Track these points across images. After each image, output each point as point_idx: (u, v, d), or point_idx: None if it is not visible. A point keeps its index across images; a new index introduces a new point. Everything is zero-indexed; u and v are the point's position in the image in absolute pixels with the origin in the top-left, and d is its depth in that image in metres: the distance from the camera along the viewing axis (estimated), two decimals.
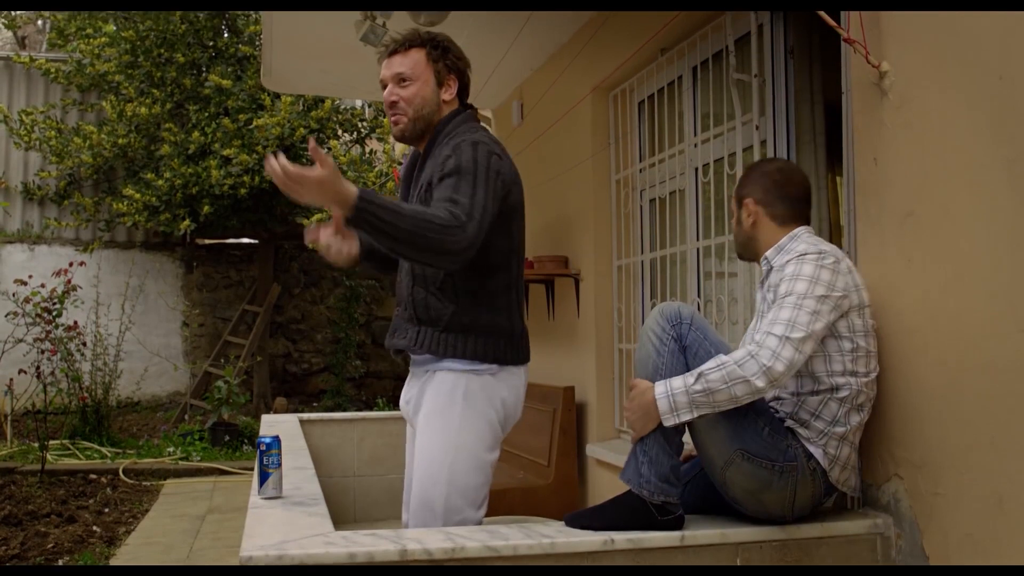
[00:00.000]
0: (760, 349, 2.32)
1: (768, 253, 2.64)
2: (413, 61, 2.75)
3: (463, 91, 2.84)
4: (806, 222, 2.68)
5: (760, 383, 2.29)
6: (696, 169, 4.11)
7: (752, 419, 2.41)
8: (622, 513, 2.42)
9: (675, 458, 2.44)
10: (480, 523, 2.69)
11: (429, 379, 2.72)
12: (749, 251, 2.74)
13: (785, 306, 2.38)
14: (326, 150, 10.13)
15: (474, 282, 2.67)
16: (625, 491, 2.46)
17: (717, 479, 2.48)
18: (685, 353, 2.45)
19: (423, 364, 2.76)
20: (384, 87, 2.78)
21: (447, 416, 2.65)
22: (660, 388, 2.37)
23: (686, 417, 2.35)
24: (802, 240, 2.59)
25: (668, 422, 2.35)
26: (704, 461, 2.51)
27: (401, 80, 2.74)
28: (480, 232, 2.47)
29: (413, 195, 2.78)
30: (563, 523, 2.48)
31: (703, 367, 2.34)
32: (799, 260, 2.48)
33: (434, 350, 2.66)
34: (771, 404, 2.53)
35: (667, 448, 2.42)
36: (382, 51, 2.83)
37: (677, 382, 2.36)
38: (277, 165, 2.30)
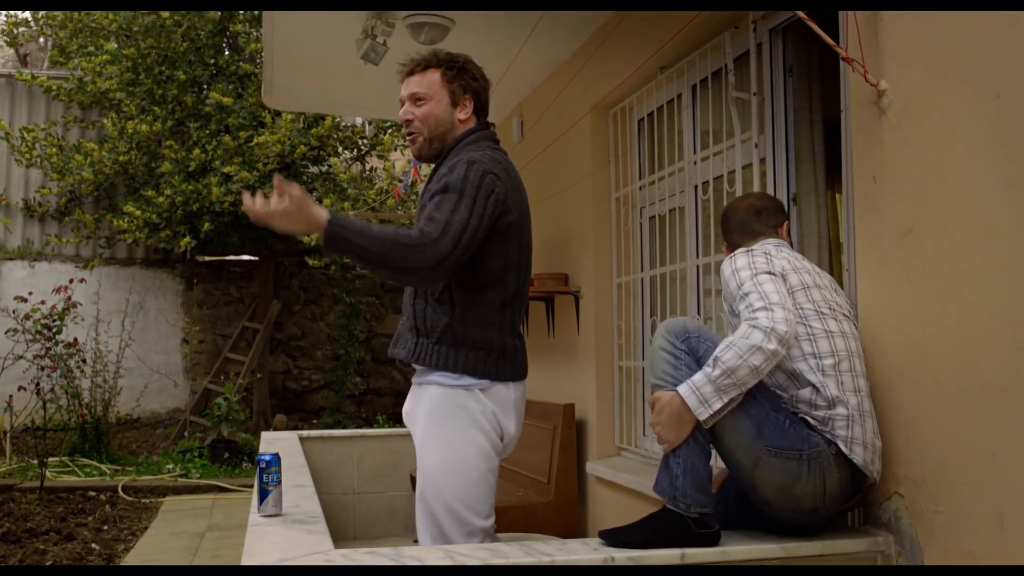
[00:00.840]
0: (755, 319, 2.40)
1: None
2: (429, 81, 2.83)
3: (481, 110, 2.91)
4: (769, 235, 2.82)
5: (771, 345, 2.36)
6: (696, 187, 4.12)
7: (772, 416, 2.43)
8: (660, 529, 2.42)
9: (708, 465, 2.46)
10: (491, 532, 2.74)
11: (422, 393, 2.78)
12: None
13: (744, 293, 2.50)
14: (326, 167, 10.15)
15: (468, 296, 2.73)
16: (661, 507, 2.46)
17: (746, 482, 2.48)
18: (700, 364, 2.46)
19: (419, 376, 2.82)
20: (401, 106, 2.86)
21: (442, 431, 2.71)
22: (683, 388, 2.40)
23: (717, 405, 2.36)
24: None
25: (702, 416, 2.37)
26: (732, 467, 2.52)
27: (416, 99, 2.83)
28: (456, 247, 2.55)
29: (419, 212, 2.84)
30: (600, 540, 2.47)
31: (714, 353, 2.39)
32: (730, 259, 2.66)
33: (428, 362, 2.73)
34: None
35: (701, 454, 2.44)
36: (401, 70, 2.90)
37: (697, 376, 2.39)
38: (250, 203, 2.47)
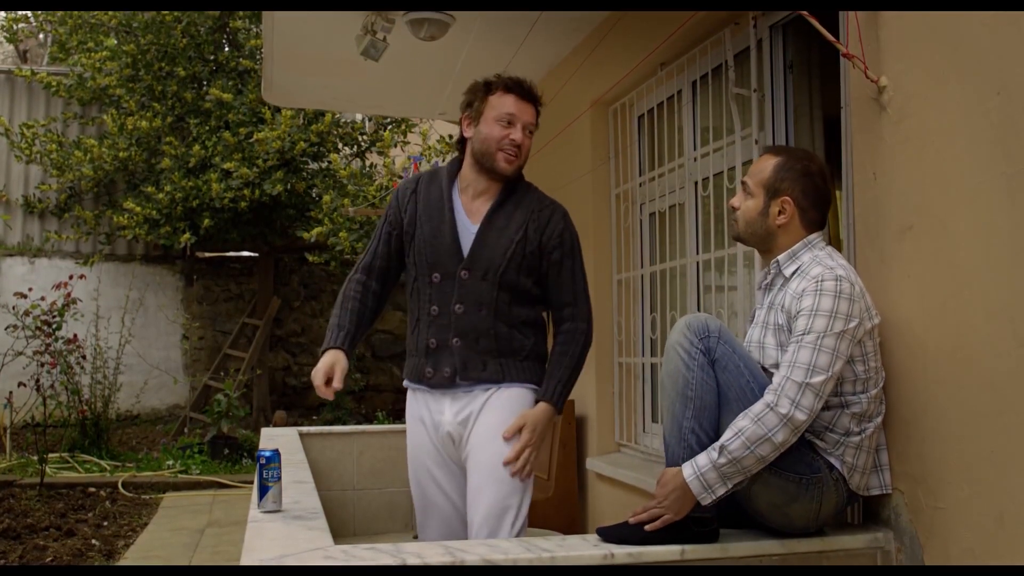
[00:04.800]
0: (779, 398, 2.31)
1: (780, 258, 2.58)
2: (536, 116, 3.00)
3: None
4: (824, 226, 2.65)
5: (782, 436, 2.30)
6: (696, 183, 4.12)
7: None
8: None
9: None
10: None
11: (495, 395, 2.94)
12: (761, 244, 2.65)
13: (804, 346, 2.36)
14: (326, 163, 10.14)
15: (543, 317, 3.07)
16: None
17: (742, 493, 2.46)
18: (714, 367, 2.42)
19: (479, 385, 2.95)
20: (510, 122, 2.94)
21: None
22: (688, 470, 2.36)
23: (721, 491, 2.35)
24: (815, 251, 2.55)
25: (706, 501, 2.36)
26: None
27: (528, 129, 2.99)
28: (590, 302, 3.09)
29: (499, 240, 2.95)
30: (597, 537, 2.47)
31: (723, 439, 2.33)
32: (817, 291, 2.40)
33: (517, 378, 2.95)
34: None
35: None
36: (523, 90, 2.98)
37: (702, 458, 2.35)
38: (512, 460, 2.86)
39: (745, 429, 2.31)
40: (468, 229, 2.97)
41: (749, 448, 2.30)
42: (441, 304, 2.95)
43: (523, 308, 2.97)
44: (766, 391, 2.36)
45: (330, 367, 2.89)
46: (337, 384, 2.88)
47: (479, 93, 2.99)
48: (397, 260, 3.11)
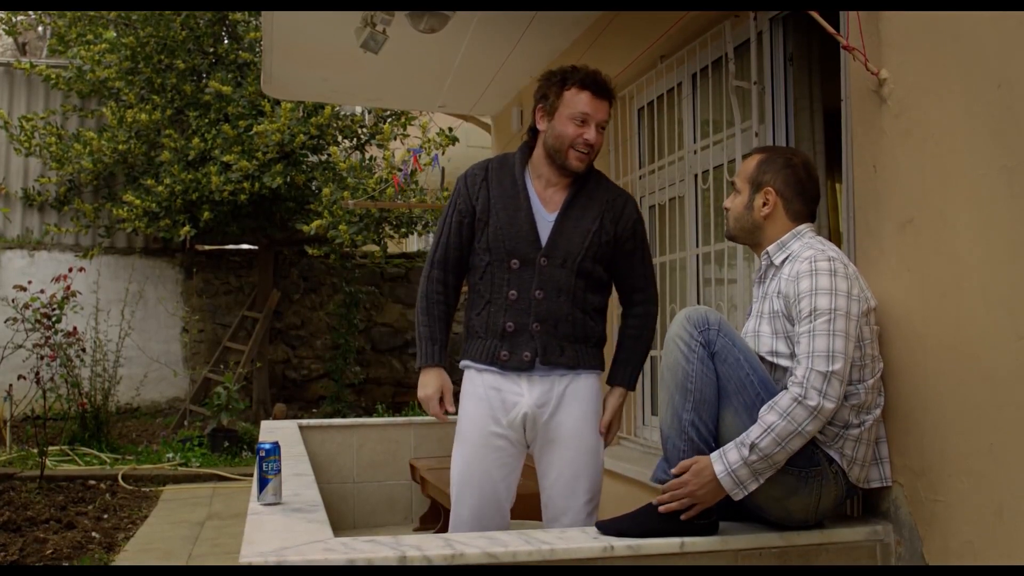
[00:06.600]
0: (806, 391, 2.32)
1: (770, 248, 2.62)
2: (609, 111, 3.02)
3: None
4: (813, 219, 2.68)
5: (812, 427, 2.32)
6: (696, 176, 4.12)
7: None
8: (657, 519, 2.43)
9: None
10: None
11: (573, 384, 2.98)
12: (750, 238, 2.69)
13: (818, 333, 2.36)
14: (326, 156, 10.13)
15: (606, 304, 3.09)
16: (659, 496, 2.46)
17: None
18: (714, 359, 2.43)
19: (555, 371, 2.98)
20: (584, 121, 2.94)
21: (597, 415, 3.03)
22: (719, 466, 2.36)
23: (753, 487, 2.36)
24: (804, 238, 2.58)
25: (738, 497, 2.37)
26: None
27: (601, 127, 2.99)
28: (657, 285, 3.19)
29: (576, 229, 2.97)
30: (596, 530, 2.47)
31: (753, 436, 2.33)
32: (812, 271, 2.43)
33: (589, 365, 3.01)
34: None
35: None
36: (597, 87, 2.97)
37: (733, 455, 2.35)
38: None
39: (775, 425, 2.31)
40: (545, 218, 3.00)
41: (780, 444, 2.31)
42: (520, 289, 2.96)
43: (595, 295, 3.02)
44: (790, 384, 2.36)
45: (439, 391, 3.00)
46: (450, 407, 3.01)
47: (554, 87, 2.99)
48: (468, 248, 3.08)
